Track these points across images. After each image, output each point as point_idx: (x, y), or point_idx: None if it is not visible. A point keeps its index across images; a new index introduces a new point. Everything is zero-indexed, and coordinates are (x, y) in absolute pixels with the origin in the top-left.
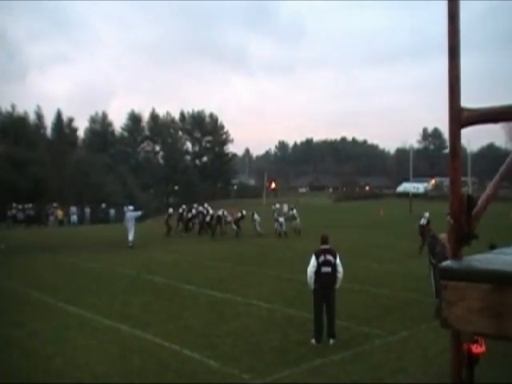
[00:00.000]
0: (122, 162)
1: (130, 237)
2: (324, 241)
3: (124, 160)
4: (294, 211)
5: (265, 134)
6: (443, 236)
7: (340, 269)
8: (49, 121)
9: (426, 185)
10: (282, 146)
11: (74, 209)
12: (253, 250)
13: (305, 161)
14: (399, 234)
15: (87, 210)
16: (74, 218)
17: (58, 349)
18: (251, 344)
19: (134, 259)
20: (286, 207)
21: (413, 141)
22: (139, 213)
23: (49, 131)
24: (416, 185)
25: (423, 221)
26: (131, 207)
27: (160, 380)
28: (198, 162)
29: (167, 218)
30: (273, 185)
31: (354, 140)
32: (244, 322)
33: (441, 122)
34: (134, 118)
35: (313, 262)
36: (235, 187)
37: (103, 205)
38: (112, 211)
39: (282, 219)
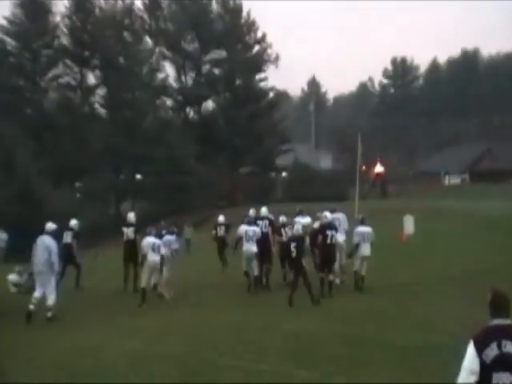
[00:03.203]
0: None
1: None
2: (500, 307)
3: None
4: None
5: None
6: None
7: None
8: None
9: None
10: (399, 68)
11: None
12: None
13: (460, 106)
14: None
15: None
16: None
17: None
18: None
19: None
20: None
21: None
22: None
23: None
24: None
25: None
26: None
27: None
28: (183, 114)
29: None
30: (378, 167)
31: None
32: None
33: None
34: None
35: (471, 359)
36: (284, 174)
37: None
38: None
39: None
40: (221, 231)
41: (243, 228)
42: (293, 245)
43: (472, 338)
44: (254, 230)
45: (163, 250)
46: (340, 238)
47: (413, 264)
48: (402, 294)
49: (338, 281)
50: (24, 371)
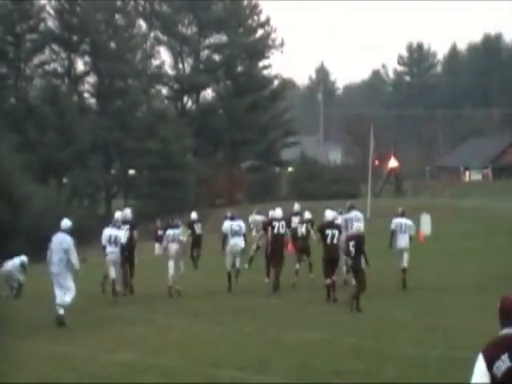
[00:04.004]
0: None
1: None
2: (511, 314)
3: None
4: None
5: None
6: None
7: None
8: None
9: None
10: (415, 54)
11: None
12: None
13: (482, 96)
14: None
15: None
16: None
17: None
18: None
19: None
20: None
21: None
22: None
23: None
24: None
25: None
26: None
27: None
28: (180, 104)
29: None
30: (392, 162)
31: None
32: None
33: None
34: None
35: (480, 374)
36: (289, 170)
37: None
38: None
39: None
40: (198, 229)
41: (227, 224)
42: (351, 244)
43: (481, 351)
44: (238, 224)
45: (123, 241)
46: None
47: (431, 268)
48: (420, 302)
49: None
50: None
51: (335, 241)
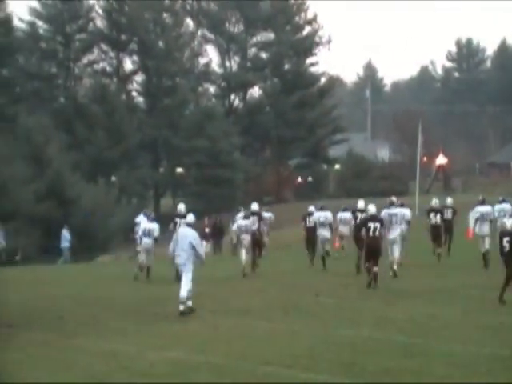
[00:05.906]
0: None
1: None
2: None
3: None
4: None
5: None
6: None
7: None
8: None
9: None
10: (464, 50)
11: None
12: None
13: None
14: None
15: None
16: None
17: None
18: None
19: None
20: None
21: None
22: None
23: None
24: None
25: None
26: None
27: None
28: (227, 102)
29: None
30: (441, 159)
31: None
32: None
33: None
34: None
35: None
36: (336, 167)
37: None
38: None
39: None
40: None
41: (316, 215)
42: (506, 239)
43: None
44: (325, 215)
45: (156, 234)
46: (393, 233)
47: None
48: (470, 299)
49: (395, 267)
50: (55, 382)
51: (377, 233)
